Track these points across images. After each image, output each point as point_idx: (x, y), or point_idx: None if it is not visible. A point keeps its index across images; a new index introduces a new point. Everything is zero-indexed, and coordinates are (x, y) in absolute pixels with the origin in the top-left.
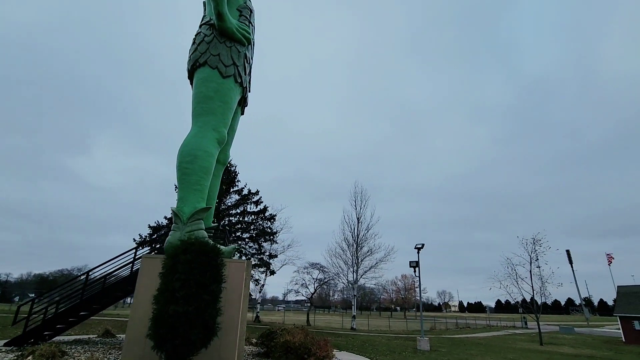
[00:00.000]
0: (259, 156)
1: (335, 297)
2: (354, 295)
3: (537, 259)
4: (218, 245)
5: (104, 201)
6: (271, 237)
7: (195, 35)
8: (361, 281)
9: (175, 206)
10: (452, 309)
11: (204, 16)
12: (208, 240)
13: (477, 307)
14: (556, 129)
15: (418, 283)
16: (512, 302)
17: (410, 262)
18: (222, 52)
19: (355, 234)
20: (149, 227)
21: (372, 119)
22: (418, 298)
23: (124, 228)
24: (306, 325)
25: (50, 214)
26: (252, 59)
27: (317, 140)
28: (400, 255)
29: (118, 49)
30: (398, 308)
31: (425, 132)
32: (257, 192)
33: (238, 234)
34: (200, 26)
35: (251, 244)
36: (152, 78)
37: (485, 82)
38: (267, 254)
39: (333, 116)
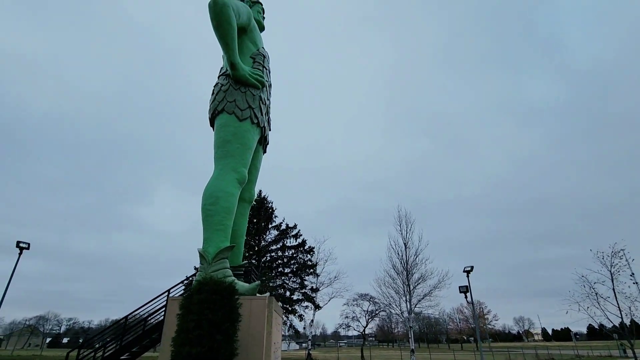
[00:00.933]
0: (302, 188)
1: (399, 329)
2: (410, 327)
3: (619, 274)
4: (234, 283)
5: (166, 246)
6: (312, 269)
7: (214, 86)
8: (417, 310)
9: (201, 247)
10: (536, 337)
11: (221, 68)
12: (224, 279)
13: (564, 335)
14: (622, 122)
15: (472, 310)
16: (596, 326)
17: (459, 287)
18: (237, 98)
19: (404, 260)
20: (195, 268)
21: (411, 136)
22: (490, 327)
23: (185, 271)
24: None
25: (122, 261)
26: (268, 99)
27: (358, 166)
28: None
29: (169, 99)
30: (472, 339)
31: (470, 143)
32: (295, 226)
33: (280, 269)
34: (218, 77)
35: (294, 279)
36: (198, 123)
37: (531, 83)
38: (309, 287)
39: (373, 139)
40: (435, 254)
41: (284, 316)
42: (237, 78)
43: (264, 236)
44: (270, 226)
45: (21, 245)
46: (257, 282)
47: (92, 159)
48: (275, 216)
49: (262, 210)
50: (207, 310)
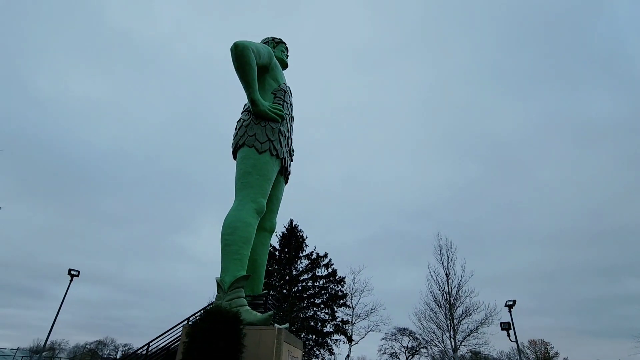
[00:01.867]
0: (342, 218)
1: None
2: None
3: None
4: (240, 312)
5: (210, 275)
6: (342, 300)
7: (237, 122)
8: (465, 348)
9: (219, 277)
10: None
11: (245, 104)
12: (231, 308)
13: None
14: None
15: (517, 348)
16: None
17: (501, 324)
18: (257, 132)
19: (446, 292)
20: None
21: (458, 160)
22: None
23: None
24: None
25: (172, 288)
26: (289, 131)
27: (401, 193)
28: (523, 316)
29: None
30: None
31: (524, 166)
32: (325, 255)
33: (311, 300)
34: (241, 113)
35: (325, 310)
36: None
37: (588, 98)
38: (340, 319)
39: (414, 164)
40: (487, 288)
41: (316, 350)
42: (257, 113)
43: (295, 265)
44: (300, 255)
45: (72, 272)
46: (270, 312)
47: (145, 192)
48: (306, 245)
49: (292, 239)
50: (211, 339)
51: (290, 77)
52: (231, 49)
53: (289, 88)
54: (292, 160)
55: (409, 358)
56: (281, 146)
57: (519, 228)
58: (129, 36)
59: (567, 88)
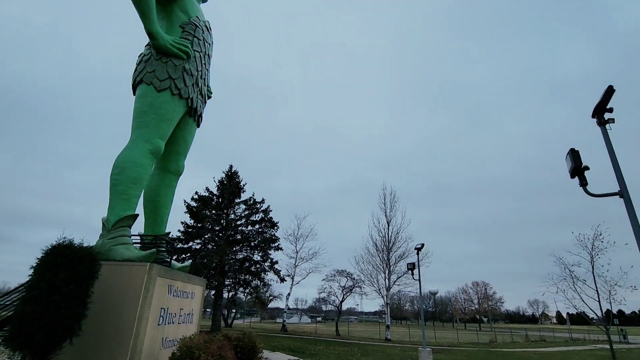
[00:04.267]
0: (314, 166)
1: (407, 307)
2: (387, 303)
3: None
4: (90, 247)
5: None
6: (272, 244)
7: (138, 56)
8: (395, 288)
9: (105, 216)
10: (554, 320)
11: None
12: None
13: (580, 319)
14: None
15: (419, 289)
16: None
17: (407, 264)
18: (157, 68)
19: (386, 239)
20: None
21: (427, 110)
22: (496, 307)
23: None
24: (336, 335)
25: None
26: (198, 70)
27: (370, 142)
28: (475, 262)
29: None
30: (485, 319)
31: (492, 118)
32: (262, 201)
33: (246, 243)
34: (144, 47)
35: (260, 253)
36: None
37: (563, 54)
38: (272, 260)
39: (382, 114)
40: (449, 235)
41: (252, 281)
42: (157, 48)
43: (234, 210)
44: (236, 201)
45: None
46: (152, 250)
47: (105, 129)
48: (244, 191)
49: (231, 185)
50: (48, 273)
51: (261, 12)
52: None
53: (207, 23)
54: (205, 102)
55: (345, 295)
56: (185, 85)
57: (484, 180)
58: None
59: (540, 40)
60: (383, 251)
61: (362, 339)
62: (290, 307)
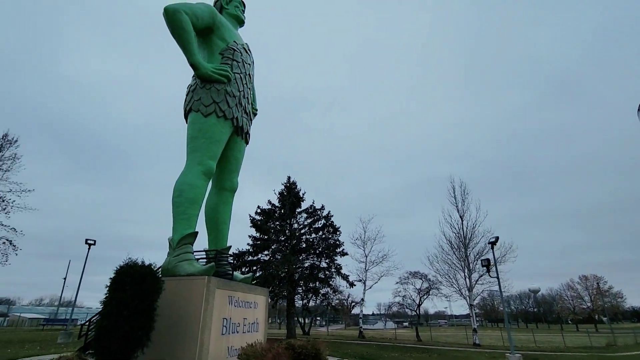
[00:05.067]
0: (378, 166)
1: (501, 308)
2: (470, 304)
3: None
4: (151, 265)
5: None
6: (338, 249)
7: (187, 87)
8: (479, 288)
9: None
10: None
11: None
12: (146, 264)
13: None
14: None
15: (498, 287)
16: None
17: (481, 260)
18: (202, 96)
19: (461, 235)
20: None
21: (499, 90)
22: (615, 305)
23: None
24: (417, 341)
25: None
26: (240, 90)
27: (436, 135)
28: (579, 253)
29: None
30: (605, 318)
31: (580, 88)
32: (322, 208)
33: (311, 251)
34: (191, 77)
35: (325, 260)
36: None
37: None
38: (338, 266)
39: (444, 104)
40: (539, 225)
41: (321, 288)
42: (200, 77)
43: (296, 220)
44: (297, 211)
45: (89, 242)
46: (211, 264)
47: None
48: (303, 200)
49: (291, 196)
50: (117, 291)
51: (299, 22)
52: (163, 14)
53: (245, 45)
54: (251, 120)
55: (422, 298)
56: (229, 107)
57: (573, 157)
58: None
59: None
60: (459, 248)
61: (447, 344)
62: (375, 313)
